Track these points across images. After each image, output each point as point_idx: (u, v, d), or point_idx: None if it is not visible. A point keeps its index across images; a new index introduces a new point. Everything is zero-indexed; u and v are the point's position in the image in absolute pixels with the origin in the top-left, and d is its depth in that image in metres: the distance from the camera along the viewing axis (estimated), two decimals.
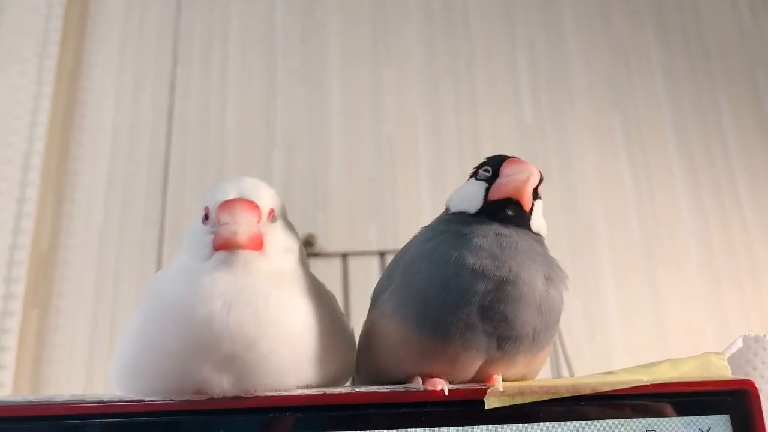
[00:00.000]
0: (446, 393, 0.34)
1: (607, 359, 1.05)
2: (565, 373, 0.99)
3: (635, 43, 1.25)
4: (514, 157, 0.40)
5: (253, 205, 0.37)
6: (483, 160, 0.42)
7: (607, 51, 1.24)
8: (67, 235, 1.12)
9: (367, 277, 1.09)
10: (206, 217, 0.38)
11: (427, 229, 0.42)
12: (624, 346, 1.05)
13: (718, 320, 1.07)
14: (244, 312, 0.34)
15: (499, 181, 0.40)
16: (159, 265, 1.11)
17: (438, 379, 0.35)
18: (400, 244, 1.19)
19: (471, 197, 0.41)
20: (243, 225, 0.35)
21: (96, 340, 1.06)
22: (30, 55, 1.15)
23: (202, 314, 0.34)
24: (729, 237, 1.12)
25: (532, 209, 0.40)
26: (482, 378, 0.36)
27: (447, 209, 0.43)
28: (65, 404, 0.33)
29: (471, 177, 0.43)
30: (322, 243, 1.08)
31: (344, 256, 1.10)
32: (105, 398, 0.33)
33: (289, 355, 0.35)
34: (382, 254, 1.11)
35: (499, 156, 0.41)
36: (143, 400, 0.33)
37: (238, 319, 0.34)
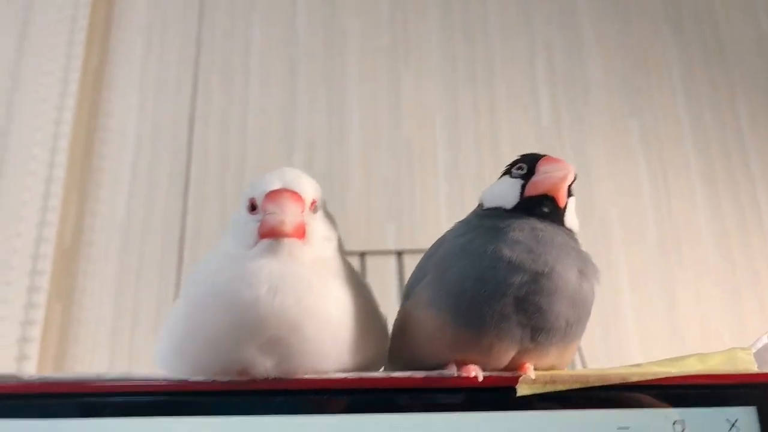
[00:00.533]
0: (480, 379, 0.35)
1: (623, 363, 1.05)
2: None
3: (653, 47, 1.25)
4: (550, 156, 0.41)
5: (297, 196, 0.38)
6: (515, 158, 0.44)
7: (624, 54, 1.25)
8: (90, 232, 1.14)
9: (384, 276, 1.11)
10: (252, 207, 0.39)
11: (461, 224, 0.43)
12: (640, 349, 1.06)
13: (736, 324, 1.07)
14: (289, 297, 0.35)
15: (535, 177, 0.41)
16: (179, 263, 1.13)
17: (472, 366, 0.36)
18: (418, 244, 1.20)
19: (507, 193, 0.42)
20: (289, 214, 0.37)
21: (117, 333, 1.08)
22: (57, 54, 1.18)
23: (249, 298, 0.35)
24: (747, 241, 1.12)
25: (566, 206, 0.41)
26: (515, 367, 0.37)
27: (481, 205, 0.44)
28: (109, 382, 0.34)
29: (504, 175, 0.44)
30: (341, 242, 1.09)
31: (362, 255, 1.11)
32: (151, 377, 0.34)
33: (329, 339, 0.36)
34: (399, 254, 1.12)
35: (534, 154, 0.42)
36: (188, 380, 0.34)
37: (283, 303, 0.35)
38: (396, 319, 0.44)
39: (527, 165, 0.42)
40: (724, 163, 1.17)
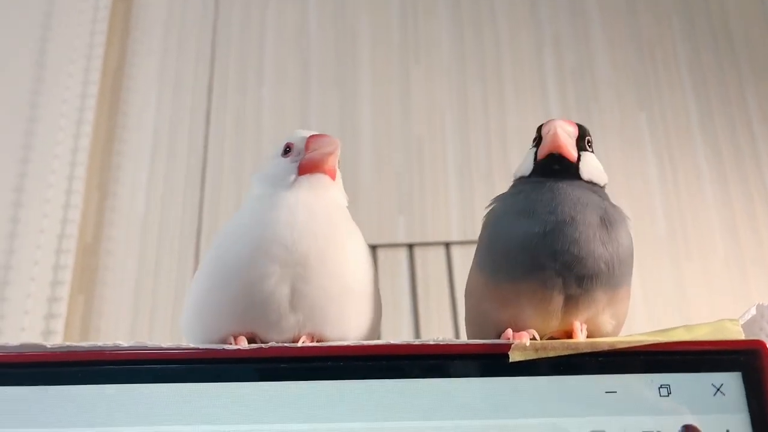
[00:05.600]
0: (527, 344, 0.37)
1: None
2: None
3: (661, 38, 1.26)
4: (554, 119, 0.44)
5: (336, 141, 0.42)
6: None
7: (632, 46, 1.26)
8: (110, 227, 1.18)
9: (396, 269, 1.13)
10: (287, 151, 0.43)
11: (495, 198, 0.46)
12: None
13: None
14: (322, 223, 0.39)
15: (543, 140, 0.43)
16: (197, 257, 1.16)
17: (524, 333, 0.38)
18: (428, 237, 1.22)
19: (525, 162, 0.45)
20: (332, 151, 0.41)
21: (137, 325, 1.11)
22: (78, 57, 1.22)
23: (285, 217, 0.38)
24: (756, 231, 1.12)
25: (579, 160, 0.43)
26: (567, 325, 0.40)
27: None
28: (129, 350, 0.36)
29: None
30: None
31: (374, 248, 1.13)
32: (170, 346, 0.36)
33: (351, 280, 0.40)
34: (410, 246, 1.14)
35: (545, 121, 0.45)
36: (198, 348, 0.36)
37: (316, 226, 0.39)
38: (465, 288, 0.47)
39: (538, 133, 0.45)
40: (733, 155, 1.18)
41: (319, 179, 0.41)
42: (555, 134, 0.42)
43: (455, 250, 1.14)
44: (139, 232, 1.17)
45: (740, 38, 1.25)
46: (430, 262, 1.14)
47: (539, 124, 0.46)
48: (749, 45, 1.25)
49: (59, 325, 1.05)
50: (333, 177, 0.42)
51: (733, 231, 1.13)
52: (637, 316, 1.07)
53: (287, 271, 0.38)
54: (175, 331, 1.08)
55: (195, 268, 1.15)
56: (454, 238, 1.14)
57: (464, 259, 1.12)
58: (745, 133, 1.19)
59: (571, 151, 0.43)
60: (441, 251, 1.14)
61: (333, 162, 0.42)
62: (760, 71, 1.23)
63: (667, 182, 1.16)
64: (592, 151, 0.45)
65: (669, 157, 1.18)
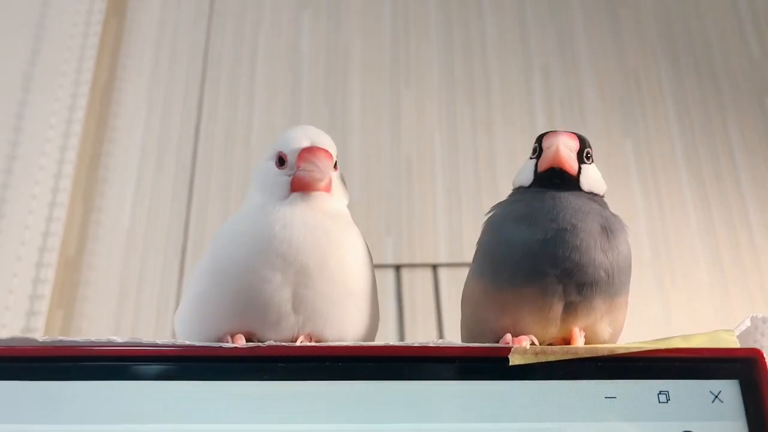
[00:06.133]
0: (527, 348, 0.37)
1: None
2: None
3: (647, 69, 1.29)
4: (554, 131, 0.44)
5: (328, 154, 0.42)
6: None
7: (619, 77, 1.29)
8: (94, 241, 1.16)
9: (383, 290, 1.12)
10: (281, 162, 0.43)
11: (494, 205, 0.47)
12: None
13: None
14: (320, 237, 0.39)
15: (543, 155, 0.44)
16: (181, 274, 1.14)
17: (524, 337, 0.38)
18: (416, 258, 1.21)
19: (525, 173, 0.46)
20: (324, 172, 0.41)
21: None
22: (68, 68, 1.21)
23: (282, 234, 0.38)
24: (739, 257, 1.14)
25: (579, 172, 0.43)
26: (566, 332, 0.40)
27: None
28: (120, 346, 0.36)
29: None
30: None
31: None
32: (162, 342, 0.35)
33: (352, 283, 0.40)
34: (397, 268, 1.14)
35: (544, 132, 0.45)
36: (195, 345, 0.36)
37: (315, 239, 0.39)
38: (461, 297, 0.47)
39: (538, 144, 0.45)
40: (715, 183, 1.20)
41: (313, 195, 0.41)
42: (557, 150, 0.43)
43: (443, 272, 1.14)
44: (124, 247, 1.15)
45: (722, 71, 1.29)
46: (418, 284, 1.13)
47: (539, 134, 0.46)
48: (731, 77, 1.29)
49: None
50: (328, 191, 0.42)
51: (717, 257, 1.14)
52: (623, 338, 1.07)
53: (288, 278, 0.38)
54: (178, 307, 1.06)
55: (179, 285, 1.14)
56: (442, 260, 1.13)
57: (451, 282, 1.11)
58: (727, 162, 1.22)
59: (573, 165, 0.43)
60: (428, 273, 1.14)
61: (325, 183, 0.42)
62: (742, 102, 1.26)
63: (652, 208, 1.18)
64: (592, 162, 0.45)
65: (654, 183, 1.20)
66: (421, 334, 1.09)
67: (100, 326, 1.10)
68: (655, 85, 1.28)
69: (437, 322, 1.10)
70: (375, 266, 1.13)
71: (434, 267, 1.14)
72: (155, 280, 1.13)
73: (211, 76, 1.29)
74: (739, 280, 1.13)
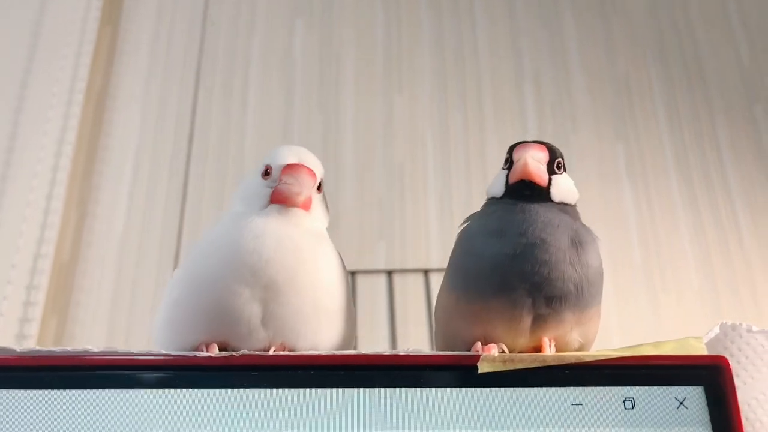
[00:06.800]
0: (496, 355, 0.38)
1: None
2: None
3: (638, 76, 1.30)
4: (524, 142, 0.45)
5: (312, 173, 0.43)
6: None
7: (610, 82, 1.29)
8: (87, 248, 1.17)
9: (374, 295, 1.13)
10: (266, 174, 0.43)
11: (468, 217, 0.47)
12: None
13: None
14: (290, 251, 0.39)
15: (513, 167, 0.44)
16: None
17: (492, 345, 0.39)
18: (408, 264, 1.22)
19: (496, 184, 0.46)
20: (303, 187, 0.42)
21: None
22: (63, 76, 1.22)
23: (253, 245, 0.39)
24: (730, 263, 1.15)
25: (550, 183, 0.44)
26: (536, 342, 0.40)
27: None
28: (97, 356, 0.36)
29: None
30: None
31: (353, 273, 1.13)
32: (138, 352, 0.36)
33: (320, 295, 0.40)
34: (389, 273, 1.15)
35: (515, 143, 0.46)
36: (170, 354, 0.36)
37: (284, 254, 0.39)
38: (435, 307, 0.48)
39: (510, 155, 0.46)
40: (704, 186, 1.21)
41: (290, 210, 0.42)
42: (525, 164, 0.43)
43: (434, 277, 1.14)
44: (117, 253, 1.16)
45: (713, 77, 1.30)
46: (409, 289, 1.14)
47: (510, 145, 0.47)
48: (720, 81, 1.29)
49: (30, 347, 1.03)
50: (306, 209, 0.43)
51: (706, 257, 1.15)
52: (613, 341, 1.07)
53: (256, 292, 0.38)
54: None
55: None
56: (433, 265, 1.14)
57: None
58: (717, 166, 1.22)
59: (542, 177, 0.44)
60: (420, 278, 1.15)
61: (303, 198, 0.42)
62: (732, 108, 1.27)
63: (642, 209, 1.19)
64: (563, 172, 0.46)
65: (644, 186, 1.21)
66: (413, 339, 1.10)
67: (93, 332, 1.10)
68: (646, 90, 1.29)
69: (429, 327, 1.10)
70: (366, 272, 1.13)
71: (426, 272, 1.15)
72: (149, 285, 1.14)
73: (204, 84, 1.30)
74: (729, 282, 1.13)
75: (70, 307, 1.12)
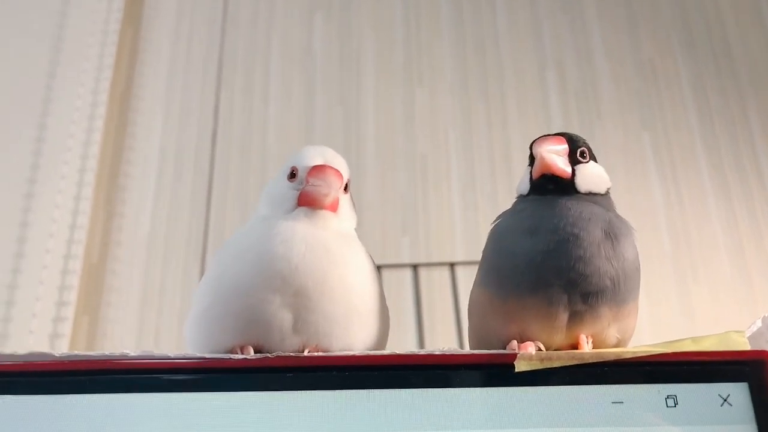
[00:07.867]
0: (533, 353, 0.37)
1: None
2: None
3: (663, 58, 1.27)
4: (543, 136, 0.44)
5: (339, 174, 0.42)
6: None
7: (635, 69, 1.27)
8: (116, 247, 1.18)
9: (400, 289, 1.13)
10: (293, 176, 0.43)
11: (499, 215, 0.47)
12: None
13: None
14: (319, 255, 0.39)
15: (534, 162, 0.44)
16: (201, 277, 1.16)
17: (529, 343, 0.39)
18: (432, 258, 1.22)
19: (523, 182, 0.46)
20: (330, 189, 0.41)
21: (141, 346, 1.11)
22: (86, 78, 1.24)
23: (282, 251, 0.38)
24: (762, 247, 1.12)
25: (574, 174, 0.43)
26: (573, 339, 0.40)
27: None
28: (134, 360, 0.36)
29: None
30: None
31: (378, 268, 1.13)
32: (173, 355, 0.36)
33: (355, 301, 0.40)
34: (414, 267, 1.14)
35: (535, 139, 0.45)
36: (205, 357, 0.37)
37: (314, 258, 0.39)
38: (468, 305, 0.47)
39: (531, 151, 0.45)
40: (736, 172, 1.18)
41: (318, 213, 0.41)
42: (542, 158, 0.43)
43: (460, 271, 1.14)
44: (145, 252, 1.18)
45: (740, 56, 1.27)
46: (435, 282, 1.13)
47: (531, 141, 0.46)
48: (750, 62, 1.26)
49: (63, 346, 1.05)
50: (334, 210, 0.42)
51: (739, 248, 1.12)
52: (644, 335, 1.06)
53: (287, 299, 0.38)
54: (180, 351, 1.08)
55: None
56: (459, 258, 1.13)
57: (469, 280, 1.10)
58: (748, 150, 1.19)
59: (563, 169, 0.43)
60: (446, 272, 1.14)
61: (330, 200, 0.41)
62: (761, 88, 1.24)
63: (671, 200, 1.16)
64: (589, 160, 0.45)
65: (672, 175, 1.18)
66: (440, 333, 1.09)
67: (124, 330, 1.12)
68: (672, 75, 1.26)
69: (456, 320, 1.10)
70: (391, 266, 1.13)
71: (451, 265, 1.14)
72: (176, 283, 1.15)
73: (226, 81, 1.30)
74: (763, 272, 1.11)
75: (101, 306, 1.14)
